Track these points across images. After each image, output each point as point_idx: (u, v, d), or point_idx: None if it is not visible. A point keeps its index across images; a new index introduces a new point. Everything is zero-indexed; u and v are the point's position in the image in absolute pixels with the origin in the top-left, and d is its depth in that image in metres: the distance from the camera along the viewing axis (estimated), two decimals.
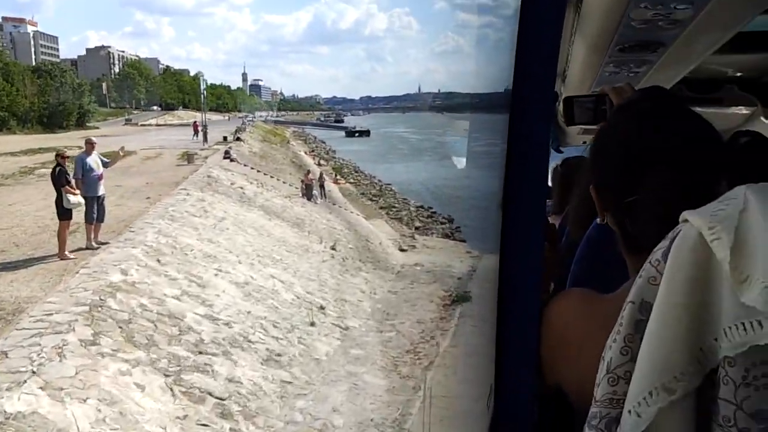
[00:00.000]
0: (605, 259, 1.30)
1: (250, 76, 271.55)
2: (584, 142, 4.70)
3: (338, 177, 48.72)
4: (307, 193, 29.50)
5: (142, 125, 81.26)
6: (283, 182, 32.78)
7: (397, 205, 38.52)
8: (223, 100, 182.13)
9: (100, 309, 8.31)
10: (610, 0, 1.59)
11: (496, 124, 1.28)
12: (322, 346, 10.88)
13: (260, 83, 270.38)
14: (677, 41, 1.81)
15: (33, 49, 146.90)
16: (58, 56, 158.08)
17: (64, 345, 7.11)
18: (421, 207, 38.06)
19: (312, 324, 11.68)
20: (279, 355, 9.80)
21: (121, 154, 14.22)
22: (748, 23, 1.69)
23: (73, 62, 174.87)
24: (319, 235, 20.46)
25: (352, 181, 49.71)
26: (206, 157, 31.16)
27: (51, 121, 63.61)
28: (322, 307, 12.94)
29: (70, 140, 50.56)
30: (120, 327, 8.16)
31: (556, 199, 3.34)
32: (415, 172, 58.77)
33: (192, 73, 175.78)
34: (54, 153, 13.08)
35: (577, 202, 1.72)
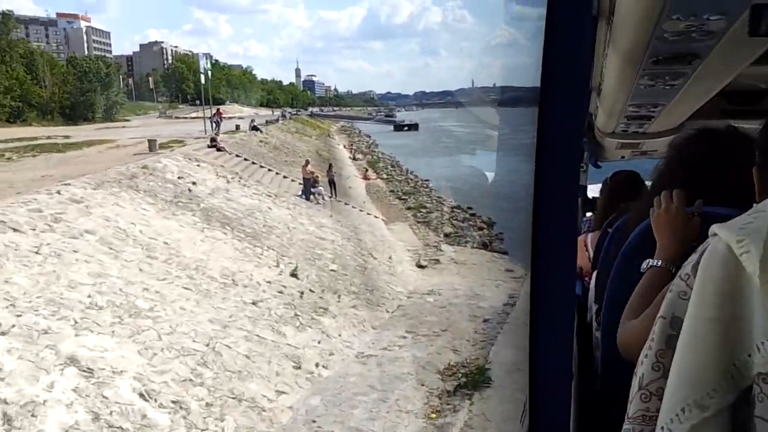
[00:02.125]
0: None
1: (304, 72, 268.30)
2: (622, 157, 4.74)
3: (368, 172, 42.17)
4: (305, 190, 22.99)
5: (176, 118, 76.55)
6: (284, 176, 26.39)
7: (429, 204, 31.66)
8: (273, 95, 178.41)
9: None
10: (641, 12, 1.47)
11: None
12: None
13: (314, 79, 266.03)
14: (713, 53, 1.68)
15: (86, 45, 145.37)
16: (110, 51, 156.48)
17: None
18: (457, 208, 31.08)
19: None
20: None
21: None
22: None
23: (129, 58, 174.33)
24: (283, 252, 13.94)
25: (384, 176, 43.08)
26: (186, 146, 25.07)
27: (74, 113, 59.05)
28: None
29: (70, 131, 45.66)
30: None
31: (599, 214, 3.16)
32: (457, 167, 51.81)
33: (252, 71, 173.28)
34: None
35: (639, 209, 1.71)
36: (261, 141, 35.51)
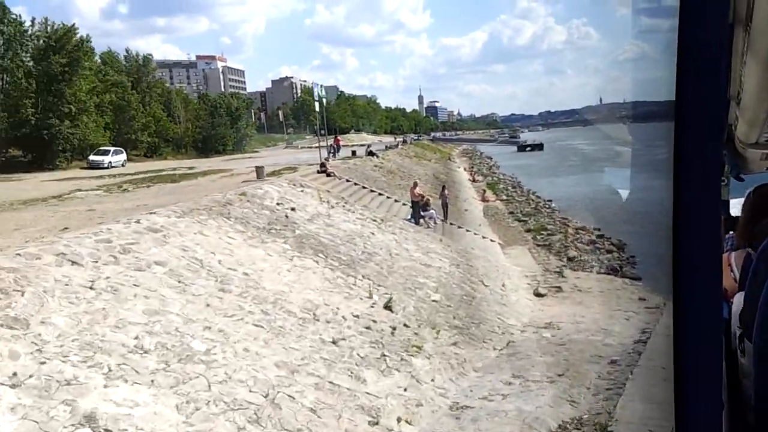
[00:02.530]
0: None
1: (427, 99, 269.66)
2: (767, 169, 4.49)
3: (486, 194, 40.30)
4: (414, 214, 21.68)
5: (301, 147, 78.64)
6: (395, 200, 25.28)
7: (551, 226, 29.32)
8: (397, 122, 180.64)
9: None
10: None
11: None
12: None
13: (436, 105, 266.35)
14: None
15: (222, 83, 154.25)
16: (244, 88, 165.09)
17: None
18: (582, 229, 28.48)
19: None
20: None
21: None
22: None
23: (262, 94, 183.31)
24: (380, 281, 12.62)
25: (504, 198, 41.00)
26: (295, 172, 24.61)
27: (206, 146, 61.77)
28: None
29: (198, 163, 47.49)
30: None
31: (742, 230, 3.01)
32: (583, 185, 48.59)
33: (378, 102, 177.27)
34: None
35: None
36: (376, 166, 34.76)
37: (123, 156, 44.15)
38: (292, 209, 15.63)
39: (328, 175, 24.18)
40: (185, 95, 70.77)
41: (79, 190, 20.95)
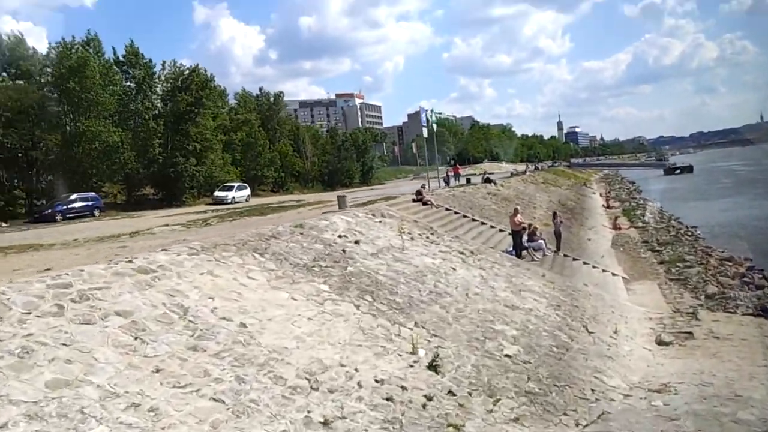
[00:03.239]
0: None
1: (567, 124, 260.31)
2: None
3: (618, 220, 36.11)
4: (515, 245, 18.89)
5: (430, 178, 76.89)
6: (500, 230, 22.51)
7: (690, 256, 25.02)
8: (534, 149, 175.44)
9: None
10: None
11: None
12: None
13: (576, 130, 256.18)
14: None
15: (359, 119, 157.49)
16: (381, 123, 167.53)
17: None
18: (729, 260, 23.98)
19: None
20: None
21: None
22: None
23: (399, 128, 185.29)
24: (438, 331, 10.12)
25: (639, 225, 36.52)
26: (389, 201, 22.64)
27: (332, 179, 61.84)
28: None
29: (317, 196, 47.16)
30: None
31: None
32: (735, 209, 42.57)
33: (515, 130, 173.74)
34: None
35: None
36: (489, 193, 32.01)
37: (246, 191, 44.58)
38: (356, 242, 13.57)
39: (425, 204, 21.95)
40: (316, 131, 71.80)
41: (167, 225, 20.27)
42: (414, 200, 22.37)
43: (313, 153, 60.57)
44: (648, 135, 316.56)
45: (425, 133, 37.20)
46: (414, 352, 8.98)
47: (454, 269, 14.41)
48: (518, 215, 19.57)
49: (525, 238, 19.65)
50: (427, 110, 38.79)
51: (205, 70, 44.61)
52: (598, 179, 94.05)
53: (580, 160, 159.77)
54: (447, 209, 22.94)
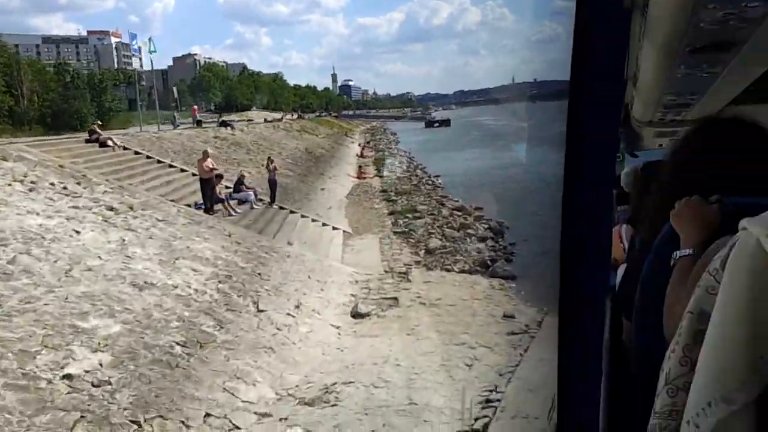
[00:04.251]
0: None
1: (341, 77, 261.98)
2: (660, 145, 4.60)
3: (362, 169, 34.06)
4: (205, 197, 14.97)
5: (182, 125, 70.33)
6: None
7: (423, 206, 23.18)
8: (307, 100, 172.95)
9: None
10: (676, 3, 1.47)
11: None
12: None
13: (350, 83, 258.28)
14: (751, 39, 1.66)
15: (115, 60, 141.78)
16: (141, 65, 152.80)
17: None
18: (459, 210, 22.50)
19: None
20: None
21: None
22: None
23: (164, 72, 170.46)
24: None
25: (385, 174, 34.80)
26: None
27: (57, 121, 52.48)
28: None
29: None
30: None
31: (634, 205, 2.95)
32: (479, 159, 43.35)
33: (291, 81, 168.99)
34: None
35: (655, 204, 1.64)
36: (216, 137, 27.61)
37: None
38: None
39: (103, 145, 17.00)
40: (43, 66, 60.81)
41: None
42: (87, 140, 17.29)
43: (32, 90, 50.65)
44: (417, 91, 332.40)
45: (149, 64, 31.53)
46: None
47: (77, 232, 10.05)
48: (208, 159, 15.44)
49: (221, 187, 15.77)
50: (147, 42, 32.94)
51: None
52: (363, 130, 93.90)
53: (350, 112, 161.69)
54: (137, 153, 18.20)
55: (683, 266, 1.26)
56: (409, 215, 21.03)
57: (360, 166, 34.90)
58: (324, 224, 18.41)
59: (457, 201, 24.66)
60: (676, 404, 0.86)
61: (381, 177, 33.33)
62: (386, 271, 14.35)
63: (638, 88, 2.72)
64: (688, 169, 1.49)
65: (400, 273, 14.10)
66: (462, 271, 14.70)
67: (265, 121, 51.01)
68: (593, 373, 1.20)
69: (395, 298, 12.12)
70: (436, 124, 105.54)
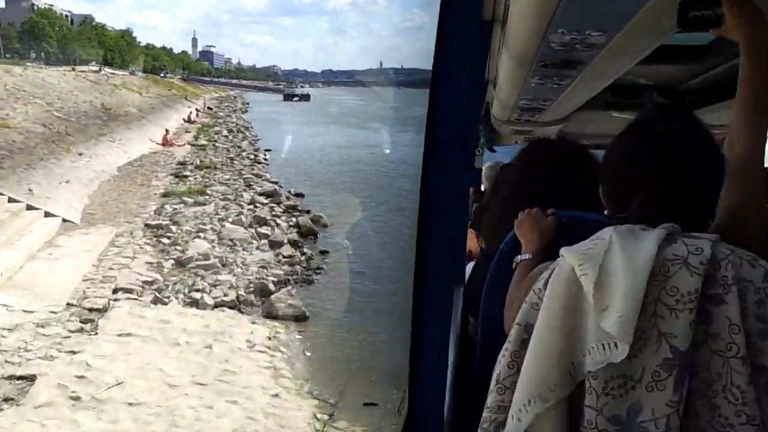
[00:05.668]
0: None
1: (207, 43, 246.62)
2: (516, 142, 4.74)
3: (169, 135, 26.89)
4: None
5: None
6: None
7: (220, 186, 16.73)
8: (160, 61, 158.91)
9: None
10: (530, 23, 1.56)
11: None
12: None
13: (212, 50, 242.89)
14: (594, 61, 1.81)
15: None
16: None
17: None
18: (269, 196, 16.31)
19: None
20: None
21: None
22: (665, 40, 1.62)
23: None
24: None
25: (203, 142, 27.83)
26: None
27: None
28: None
29: None
30: None
31: (486, 199, 2.90)
32: (324, 135, 37.77)
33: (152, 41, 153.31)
34: None
35: (497, 210, 1.70)
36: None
37: None
38: None
39: None
40: None
41: None
42: None
43: None
44: (284, 66, 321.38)
45: None
46: None
47: None
48: None
49: None
50: None
51: None
52: (213, 97, 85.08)
53: (207, 78, 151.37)
54: None
55: (523, 269, 1.33)
56: (189, 199, 14.49)
57: (167, 131, 27.46)
58: (30, 207, 11.45)
59: (275, 183, 18.46)
60: (503, 401, 0.95)
61: (196, 145, 26.38)
62: (71, 304, 7.85)
63: (497, 91, 2.88)
64: (525, 179, 1.59)
65: (93, 309, 7.68)
66: (217, 306, 8.53)
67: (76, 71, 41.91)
68: (442, 370, 1.24)
69: (31, 377, 5.75)
70: (296, 98, 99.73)
